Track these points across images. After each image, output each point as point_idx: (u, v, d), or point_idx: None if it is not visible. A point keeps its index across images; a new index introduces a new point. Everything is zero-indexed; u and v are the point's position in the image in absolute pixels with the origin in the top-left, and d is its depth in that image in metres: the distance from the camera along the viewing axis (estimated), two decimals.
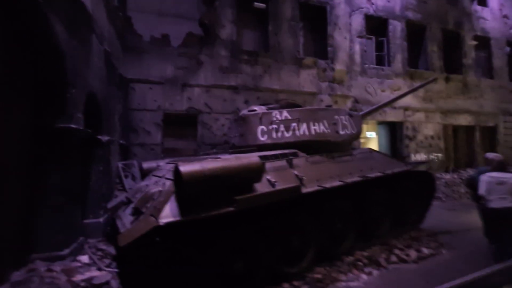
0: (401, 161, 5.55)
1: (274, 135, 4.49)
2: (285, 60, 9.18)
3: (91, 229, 4.55)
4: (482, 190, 4.01)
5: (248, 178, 3.00)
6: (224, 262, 3.11)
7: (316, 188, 3.66)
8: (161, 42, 8.06)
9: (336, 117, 4.80)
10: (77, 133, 3.73)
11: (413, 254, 4.23)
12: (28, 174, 3.35)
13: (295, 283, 3.43)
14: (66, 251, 3.48)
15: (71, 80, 3.61)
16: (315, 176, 3.83)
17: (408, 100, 10.55)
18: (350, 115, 5.15)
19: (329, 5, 9.84)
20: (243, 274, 3.23)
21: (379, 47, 11.16)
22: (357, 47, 10.29)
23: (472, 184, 4.54)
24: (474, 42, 12.13)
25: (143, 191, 3.51)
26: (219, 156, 4.10)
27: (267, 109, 4.82)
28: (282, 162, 3.74)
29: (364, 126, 11.62)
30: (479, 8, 12.65)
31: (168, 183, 3.12)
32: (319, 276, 3.54)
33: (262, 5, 8.41)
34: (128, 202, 3.79)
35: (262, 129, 4.53)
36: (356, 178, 4.18)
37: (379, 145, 11.63)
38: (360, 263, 3.91)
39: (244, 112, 4.98)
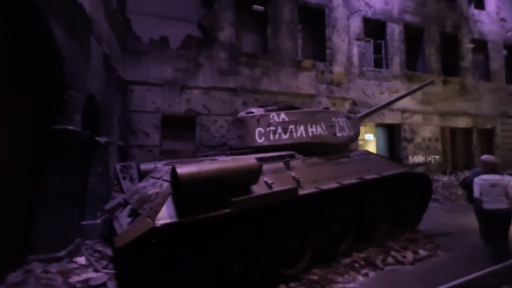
0: (398, 163, 5.57)
1: (271, 137, 4.50)
2: (283, 62, 9.23)
3: (88, 231, 4.55)
4: (476, 192, 4.08)
5: (245, 180, 3.02)
6: (221, 263, 3.12)
7: (313, 190, 3.67)
8: (160, 44, 8.09)
9: (334, 119, 4.82)
10: (75, 134, 3.75)
11: (409, 255, 4.24)
12: (27, 175, 3.36)
13: (292, 284, 3.44)
14: (63, 253, 3.48)
15: (69, 82, 3.63)
16: (312, 177, 3.85)
17: (406, 103, 10.61)
18: (348, 117, 5.17)
19: (328, 8, 9.91)
20: (240, 275, 3.24)
21: (377, 49, 11.23)
22: (355, 50, 10.35)
23: (467, 185, 4.59)
24: (471, 45, 12.22)
25: (140, 193, 3.52)
26: (216, 158, 4.12)
27: (264, 111, 4.85)
28: (279, 164, 3.76)
29: (363, 128, 11.66)
30: (476, 11, 12.75)
31: (165, 184, 3.13)
32: (315, 277, 3.55)
33: (261, 8, 8.46)
34: (125, 203, 3.80)
35: (260, 131, 4.55)
36: (353, 180, 4.20)
37: (377, 147, 11.67)
38: (356, 265, 3.92)
39: (242, 114, 5.01)
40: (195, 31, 8.70)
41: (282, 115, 4.56)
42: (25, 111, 3.36)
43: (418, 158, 10.92)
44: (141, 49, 7.77)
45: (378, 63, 11.14)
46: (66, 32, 3.58)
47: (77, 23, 3.95)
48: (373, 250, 4.37)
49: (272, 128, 4.51)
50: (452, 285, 2.99)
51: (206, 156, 5.18)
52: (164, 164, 4.50)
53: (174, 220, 2.65)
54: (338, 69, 9.84)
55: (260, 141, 4.53)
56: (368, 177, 4.41)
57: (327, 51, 9.87)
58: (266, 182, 3.34)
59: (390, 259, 4.13)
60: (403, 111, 10.87)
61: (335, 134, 4.75)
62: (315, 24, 10.25)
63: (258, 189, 3.16)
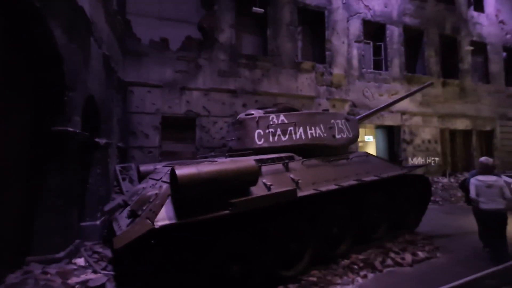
0: (397, 165, 5.58)
1: (271, 139, 4.52)
2: (283, 64, 9.25)
3: (88, 232, 4.56)
4: (472, 193, 4.18)
5: (244, 181, 3.03)
6: (220, 265, 3.12)
7: (312, 191, 3.68)
8: (160, 45, 8.12)
9: (333, 121, 4.84)
10: (74, 136, 3.76)
11: (408, 257, 4.24)
12: (27, 176, 3.37)
13: (291, 286, 3.44)
14: (62, 254, 3.49)
15: (69, 83, 3.65)
16: (311, 179, 3.85)
17: (405, 105, 10.64)
18: (347, 119, 5.19)
19: (327, 10, 9.95)
20: (239, 277, 3.24)
21: (376, 51, 11.26)
22: (355, 52, 10.38)
23: (466, 187, 4.64)
24: (470, 48, 12.26)
25: (139, 194, 3.52)
26: (215, 159, 4.13)
27: (264, 113, 4.86)
28: (278, 166, 3.76)
29: (362, 130, 11.68)
30: (475, 14, 12.80)
31: (165, 186, 3.14)
32: (314, 279, 3.55)
33: (261, 10, 8.49)
34: (125, 205, 3.80)
35: (259, 133, 4.57)
36: (352, 182, 4.21)
37: (377, 149, 11.69)
38: (355, 266, 3.92)
39: (242, 115, 5.02)
40: (195, 33, 8.73)
41: (282, 117, 4.57)
42: (25, 112, 3.38)
43: (418, 160, 10.93)
44: (141, 51, 7.79)
45: (377, 65, 11.18)
46: (66, 34, 3.60)
47: (77, 24, 3.97)
48: (372, 251, 4.38)
49: (271, 130, 4.52)
50: (450, 286, 3.00)
51: (205, 157, 5.19)
52: (163, 166, 4.51)
53: (173, 221, 2.66)
54: (337, 71, 9.87)
55: (260, 142, 4.54)
56: (367, 179, 4.41)
57: (327, 53, 9.90)
58: (265, 184, 3.35)
59: (389, 261, 4.14)
60: (403, 113, 10.89)
61: (334, 136, 4.77)
62: (315, 26, 10.28)
63: (257, 190, 3.17)
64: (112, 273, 3.47)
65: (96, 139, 4.83)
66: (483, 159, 4.42)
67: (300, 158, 4.15)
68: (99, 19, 5.05)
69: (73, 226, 3.95)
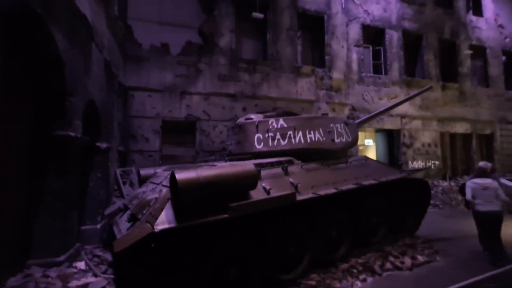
0: (397, 168, 5.60)
1: (270, 143, 4.55)
2: (283, 68, 9.32)
3: (88, 235, 4.58)
4: (468, 195, 4.32)
5: (243, 185, 3.05)
6: (220, 268, 3.14)
7: (311, 195, 3.70)
8: (160, 50, 8.19)
9: (332, 125, 4.87)
10: (75, 140, 3.79)
11: (408, 261, 4.24)
12: (28, 180, 3.40)
13: None
14: (62, 257, 3.50)
15: (70, 88, 3.69)
16: (310, 183, 3.88)
17: (405, 108, 10.68)
18: (346, 123, 5.22)
19: (327, 15, 10.02)
20: (238, 280, 3.26)
21: (376, 56, 11.32)
22: (354, 56, 10.45)
23: (464, 190, 4.67)
24: (469, 52, 12.32)
25: (140, 198, 3.55)
26: (215, 163, 4.16)
27: (263, 117, 4.90)
28: (277, 170, 3.79)
29: (362, 134, 11.71)
30: (474, 18, 12.87)
31: (165, 190, 3.17)
32: (313, 283, 3.55)
33: (260, 15, 8.57)
34: (125, 208, 3.83)
35: (259, 137, 4.60)
36: (350, 186, 4.23)
37: (377, 152, 11.71)
38: (354, 270, 3.93)
39: (241, 120, 5.06)
40: (196, 38, 8.80)
41: (281, 121, 4.61)
42: (26, 116, 3.41)
43: (418, 163, 10.94)
44: (142, 56, 7.87)
45: (377, 69, 11.23)
46: (68, 39, 3.65)
47: (78, 30, 4.03)
48: (371, 255, 4.38)
49: (270, 134, 4.56)
50: None
51: (206, 161, 5.22)
52: (163, 170, 4.54)
53: (173, 225, 2.68)
54: (337, 75, 9.92)
55: (259, 147, 4.57)
56: (366, 182, 4.43)
57: (326, 57, 9.96)
58: (264, 188, 3.38)
59: (388, 265, 4.14)
60: (402, 116, 10.92)
61: (333, 140, 4.80)
62: (315, 31, 10.36)
63: (256, 194, 3.19)
64: (112, 276, 3.48)
65: (97, 144, 4.86)
66: (482, 164, 4.56)
67: (299, 162, 4.18)
68: (100, 24, 5.11)
69: (74, 230, 3.97)
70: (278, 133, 4.56)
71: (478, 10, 13.13)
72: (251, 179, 3.05)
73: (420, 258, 4.37)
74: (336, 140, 4.84)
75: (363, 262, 4.13)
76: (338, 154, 4.95)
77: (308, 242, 3.85)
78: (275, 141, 4.54)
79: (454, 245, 5.15)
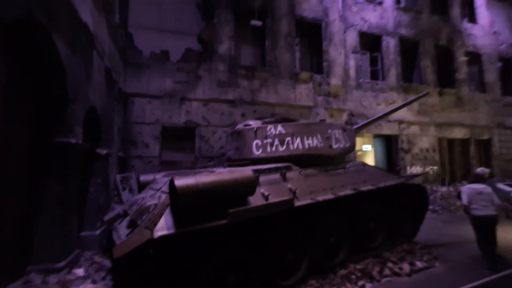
0: (395, 174, 5.64)
1: (268, 149, 4.59)
2: (281, 74, 9.41)
3: (87, 242, 4.58)
4: (464, 200, 4.42)
5: (241, 191, 3.09)
6: (218, 274, 3.16)
7: (309, 201, 3.73)
8: (160, 57, 8.28)
9: (330, 131, 4.92)
10: (76, 147, 3.83)
11: (406, 267, 4.25)
12: (28, 186, 3.42)
13: None
14: (62, 264, 3.51)
15: (71, 96, 3.74)
16: (308, 189, 3.91)
17: (402, 114, 10.76)
18: (344, 129, 5.27)
19: (324, 22, 10.16)
20: (236, 286, 3.27)
21: (373, 62, 11.44)
22: (352, 62, 10.56)
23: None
24: (465, 58, 12.46)
25: (139, 204, 3.57)
26: (214, 169, 4.20)
27: (262, 124, 4.95)
28: (276, 176, 3.83)
29: (361, 140, 11.78)
30: (469, 25, 13.05)
31: (164, 196, 3.19)
32: None
33: (259, 23, 8.69)
34: (124, 214, 3.85)
35: (257, 143, 4.65)
36: (348, 191, 4.26)
37: (376, 158, 11.74)
38: (353, 276, 3.93)
39: (240, 126, 5.11)
40: (195, 45, 8.91)
41: (279, 128, 4.66)
42: (27, 122, 3.45)
43: (416, 169, 10.98)
44: (142, 63, 7.95)
45: (374, 75, 11.34)
46: (69, 48, 3.71)
47: (80, 39, 4.09)
48: (369, 261, 4.39)
49: (269, 140, 4.60)
50: None
51: (205, 167, 5.25)
52: (163, 176, 4.57)
53: (172, 231, 2.71)
54: (335, 81, 10.02)
55: (257, 153, 4.62)
56: (364, 188, 4.47)
57: (324, 63, 10.07)
58: (262, 194, 3.41)
59: (387, 271, 4.15)
60: (400, 122, 11.00)
61: (331, 146, 4.84)
62: (312, 38, 10.50)
63: (255, 200, 3.22)
64: (111, 283, 3.49)
65: (97, 150, 4.90)
66: (479, 170, 4.76)
67: (298, 168, 4.21)
68: (101, 32, 5.19)
69: (73, 236, 3.98)
70: (276, 139, 4.60)
71: (472, 18, 13.32)
72: (250, 185, 3.08)
73: (419, 264, 4.38)
74: (334, 146, 4.89)
75: (361, 268, 4.14)
76: (336, 160, 4.99)
77: (307, 248, 3.86)
78: (274, 147, 4.58)
79: (453, 250, 5.16)
